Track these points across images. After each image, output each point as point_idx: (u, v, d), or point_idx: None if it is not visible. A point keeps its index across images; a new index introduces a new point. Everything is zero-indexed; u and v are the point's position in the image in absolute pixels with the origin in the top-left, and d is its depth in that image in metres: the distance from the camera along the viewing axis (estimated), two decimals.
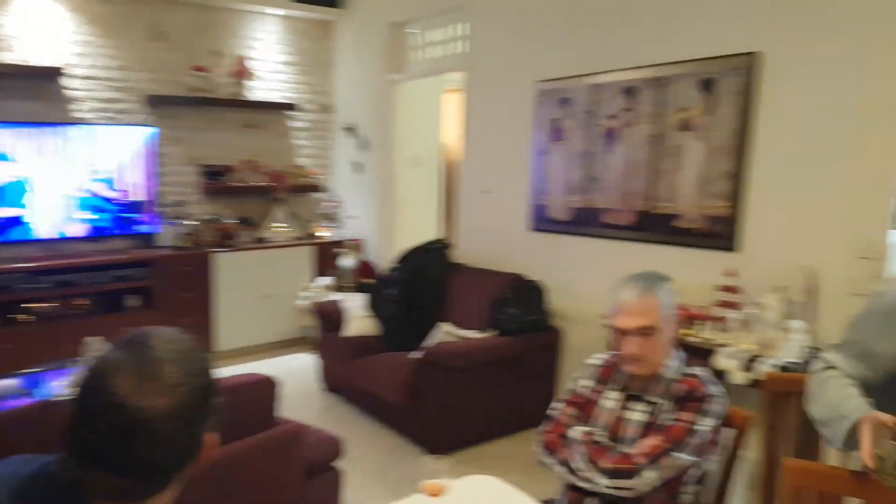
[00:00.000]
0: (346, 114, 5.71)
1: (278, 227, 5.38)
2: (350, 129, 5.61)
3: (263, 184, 5.36)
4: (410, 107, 5.30)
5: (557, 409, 1.81)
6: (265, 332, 5.16)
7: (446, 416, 3.35)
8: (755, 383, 2.51)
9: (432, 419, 3.36)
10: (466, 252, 4.51)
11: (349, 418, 3.88)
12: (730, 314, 2.85)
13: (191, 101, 4.98)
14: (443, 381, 3.30)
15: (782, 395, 1.82)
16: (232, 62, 5.19)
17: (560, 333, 3.77)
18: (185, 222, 4.93)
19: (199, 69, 5.00)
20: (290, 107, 5.52)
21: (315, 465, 2.17)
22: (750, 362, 2.60)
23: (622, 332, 1.66)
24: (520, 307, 3.55)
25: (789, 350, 2.57)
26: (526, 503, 1.62)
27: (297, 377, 4.56)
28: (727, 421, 1.65)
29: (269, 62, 5.45)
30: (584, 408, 1.78)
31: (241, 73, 5.19)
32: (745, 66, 2.93)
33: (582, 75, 3.66)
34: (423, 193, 5.62)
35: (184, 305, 4.68)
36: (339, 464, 2.34)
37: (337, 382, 4.22)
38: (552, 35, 3.86)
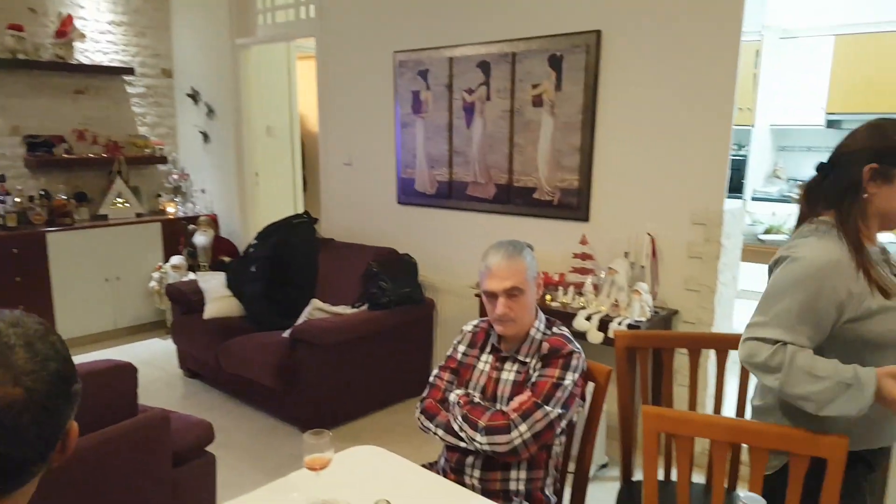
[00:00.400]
0: (188, 79, 5.32)
1: (119, 203, 4.94)
2: (194, 96, 5.24)
3: (99, 156, 4.88)
4: (261, 74, 5.06)
5: (435, 375, 1.87)
6: (113, 317, 4.75)
7: (322, 394, 3.31)
8: (609, 341, 2.74)
9: (307, 398, 3.31)
10: (333, 226, 4.44)
11: (216, 404, 3.71)
12: (585, 279, 3.08)
13: (8, 64, 4.40)
14: (316, 359, 3.25)
15: (632, 350, 2.01)
16: (56, 21, 4.63)
17: (433, 305, 3.85)
18: (9, 199, 4.37)
19: (15, 28, 4.41)
20: (126, 71, 5.05)
21: (185, 451, 2.05)
22: (604, 323, 2.84)
23: (492, 295, 1.74)
24: (392, 281, 3.57)
25: (637, 310, 2.83)
26: (408, 468, 1.66)
27: (153, 364, 4.27)
28: (588, 375, 1.79)
29: (100, 22, 4.93)
30: (461, 372, 1.85)
31: (67, 33, 4.65)
32: (589, 43, 3.10)
33: (439, 47, 3.70)
34: (280, 165, 5.42)
35: (16, 291, 4.20)
36: (211, 449, 2.24)
37: (198, 368, 4.00)
38: (408, 4, 3.84)
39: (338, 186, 4.47)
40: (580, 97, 3.17)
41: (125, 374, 1.81)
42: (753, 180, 5.46)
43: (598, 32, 3.07)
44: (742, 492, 0.97)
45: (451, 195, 3.79)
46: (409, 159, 3.98)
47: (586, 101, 3.15)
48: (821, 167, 1.51)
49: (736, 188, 5.12)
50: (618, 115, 3.09)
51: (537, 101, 3.33)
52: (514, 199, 3.50)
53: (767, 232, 5.07)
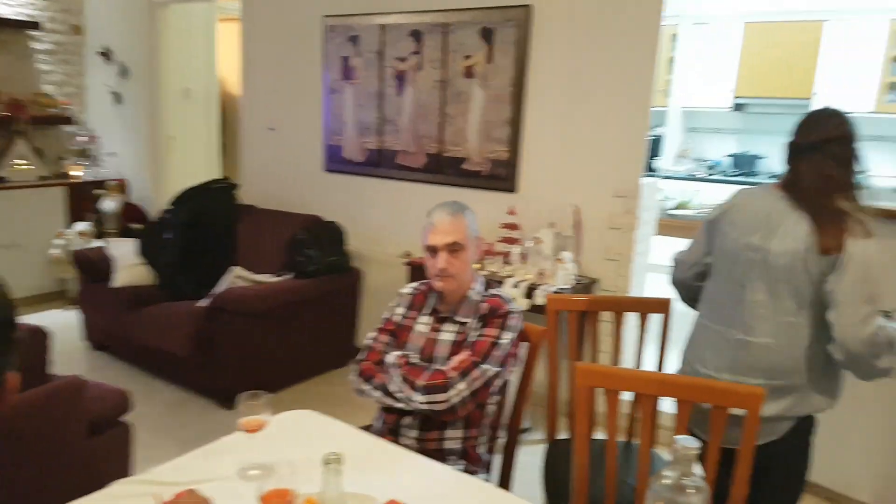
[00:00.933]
0: (101, 37, 4.95)
1: (20, 165, 4.55)
2: (105, 55, 4.89)
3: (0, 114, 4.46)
4: (180, 34, 4.80)
5: (372, 337, 1.85)
6: (12, 286, 4.37)
7: (243, 365, 3.21)
8: (535, 309, 2.82)
9: (227, 369, 3.20)
10: (256, 193, 4.29)
11: (126, 376, 3.53)
12: (512, 249, 3.14)
13: None
14: (237, 329, 3.15)
15: (561, 314, 2.09)
16: None
17: (360, 274, 3.81)
18: None
19: None
20: (30, 25, 4.63)
21: (100, 420, 1.95)
22: (530, 290, 2.91)
23: (433, 250, 1.76)
24: (318, 249, 3.50)
25: (561, 278, 2.92)
26: (345, 430, 1.65)
27: (56, 336, 3.98)
28: (522, 336, 1.84)
29: None
30: (399, 334, 1.85)
31: None
32: (520, 17, 3.13)
33: (371, 13, 3.62)
34: (198, 129, 5.16)
35: None
36: (127, 418, 2.14)
37: (106, 339, 3.79)
38: None
39: (260, 152, 4.31)
40: (510, 70, 3.20)
41: (36, 338, 1.68)
42: (665, 159, 5.73)
43: (528, 7, 3.10)
44: (679, 437, 1.03)
45: (380, 163, 3.74)
46: (338, 126, 3.88)
47: (516, 74, 3.18)
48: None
49: (650, 166, 5.36)
50: (546, 89, 3.14)
51: (469, 73, 3.33)
52: (444, 168, 3.50)
53: (678, 207, 5.36)
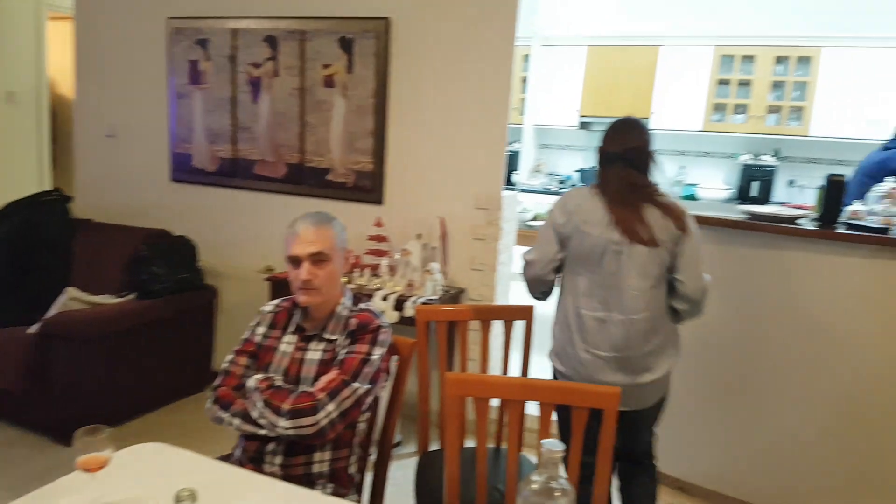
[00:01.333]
0: None
1: None
2: None
3: None
4: (3, 33, 4.28)
5: (230, 361, 1.73)
6: None
7: (82, 396, 2.87)
8: (405, 321, 2.80)
9: (62, 402, 2.85)
10: (93, 205, 3.89)
11: None
12: (380, 261, 3.10)
13: None
14: (73, 356, 2.82)
15: (430, 324, 2.10)
16: None
17: (215, 292, 3.57)
18: None
19: None
20: None
21: None
22: (400, 302, 2.89)
23: (296, 261, 1.67)
24: (165, 266, 3.24)
25: (430, 289, 2.94)
26: (201, 462, 1.51)
27: None
28: (392, 349, 1.81)
29: None
30: (261, 356, 1.74)
31: None
32: (379, 29, 3.12)
33: (221, 17, 3.45)
34: (25, 136, 4.62)
35: None
36: None
37: None
38: None
39: (98, 161, 3.92)
40: (372, 81, 3.18)
41: None
42: (522, 174, 6.00)
43: (387, 20, 3.10)
44: (545, 440, 1.05)
45: (235, 173, 3.55)
46: (186, 133, 3.63)
47: (378, 86, 3.17)
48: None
49: (508, 180, 5.58)
50: (408, 102, 3.16)
51: (329, 82, 3.27)
52: (306, 179, 3.40)
53: (534, 219, 5.62)
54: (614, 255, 1.88)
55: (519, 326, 2.21)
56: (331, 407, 1.57)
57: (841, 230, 2.40)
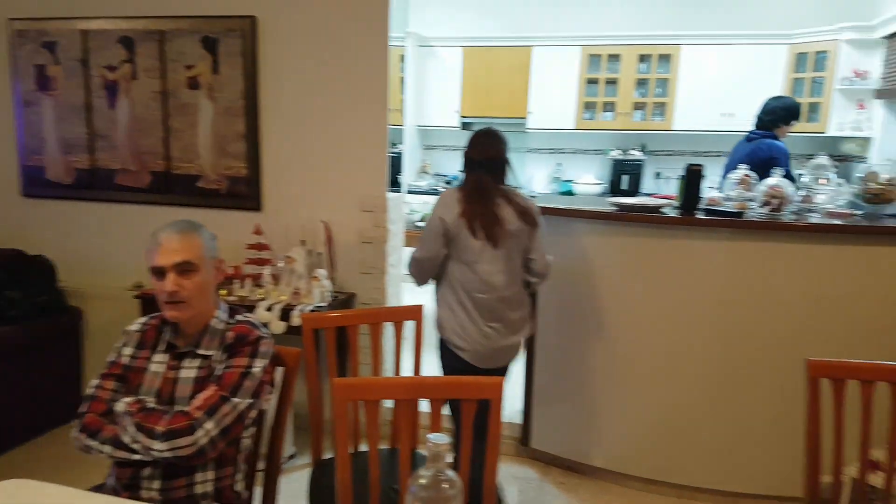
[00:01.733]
0: None
1: None
2: None
3: None
4: None
5: (96, 386, 1.59)
6: None
7: None
8: (294, 330, 2.72)
9: None
10: None
11: None
12: (262, 270, 2.99)
13: None
14: None
15: (318, 332, 2.05)
16: None
17: (80, 314, 3.28)
18: None
19: None
20: None
21: None
22: (286, 312, 2.80)
23: (160, 272, 1.57)
24: (20, 289, 2.94)
25: (318, 296, 2.86)
26: (70, 495, 1.38)
27: None
28: (277, 360, 1.74)
29: None
30: (130, 378, 1.61)
31: None
32: (244, 28, 3.01)
33: (69, 18, 3.20)
34: None
35: None
36: None
37: None
38: None
39: None
40: (240, 82, 3.05)
41: None
42: (407, 175, 6.02)
43: (253, 18, 3.00)
44: (431, 435, 1.05)
45: (94, 185, 3.29)
46: (36, 144, 3.32)
47: (247, 86, 3.05)
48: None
49: (394, 182, 5.57)
50: (281, 103, 3.07)
51: (193, 84, 3.10)
52: (174, 187, 3.20)
53: (422, 220, 5.66)
54: (481, 247, 2.20)
55: (409, 326, 2.20)
56: (209, 425, 1.48)
57: (700, 216, 2.60)
